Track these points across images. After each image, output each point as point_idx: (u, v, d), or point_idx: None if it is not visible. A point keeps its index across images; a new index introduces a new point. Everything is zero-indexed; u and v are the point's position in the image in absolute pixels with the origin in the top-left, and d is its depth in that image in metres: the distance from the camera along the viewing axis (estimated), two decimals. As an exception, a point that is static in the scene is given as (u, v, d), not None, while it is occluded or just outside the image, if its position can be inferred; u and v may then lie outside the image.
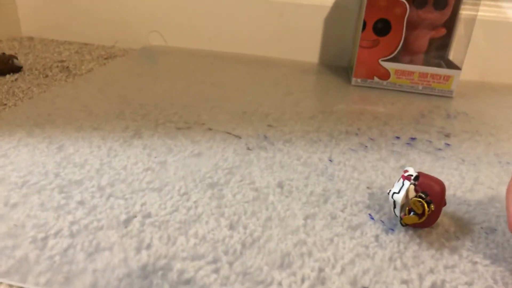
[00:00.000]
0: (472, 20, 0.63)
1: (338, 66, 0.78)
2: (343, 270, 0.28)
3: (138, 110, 0.51)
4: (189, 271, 0.27)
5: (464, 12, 0.66)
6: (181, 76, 0.65)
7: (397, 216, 0.32)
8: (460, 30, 0.68)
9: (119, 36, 0.84)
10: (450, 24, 0.67)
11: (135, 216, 0.31)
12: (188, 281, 0.26)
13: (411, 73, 0.64)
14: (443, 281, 0.27)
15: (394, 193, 0.31)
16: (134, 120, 0.48)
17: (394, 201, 0.31)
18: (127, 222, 0.31)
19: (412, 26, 0.64)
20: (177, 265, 0.27)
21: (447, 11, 0.64)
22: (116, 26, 0.83)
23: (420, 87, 0.65)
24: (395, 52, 0.64)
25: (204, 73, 0.68)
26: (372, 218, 0.33)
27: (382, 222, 0.33)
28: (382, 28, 0.63)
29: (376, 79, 0.66)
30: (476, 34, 0.70)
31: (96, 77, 0.62)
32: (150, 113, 0.50)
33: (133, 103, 0.53)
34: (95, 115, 0.48)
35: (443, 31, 0.66)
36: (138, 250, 0.28)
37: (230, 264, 0.27)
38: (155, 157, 0.40)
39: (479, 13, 0.70)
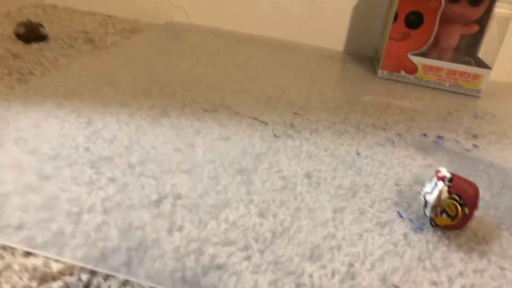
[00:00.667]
0: (507, 19, 0.61)
1: (363, 56, 0.77)
2: (372, 267, 0.28)
3: (165, 88, 0.51)
4: (221, 256, 0.27)
5: (498, 10, 0.64)
6: (205, 55, 0.65)
7: (427, 216, 0.32)
8: (492, 28, 0.66)
9: (143, 8, 0.83)
10: (483, 22, 0.65)
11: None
12: (220, 266, 0.26)
13: (440, 69, 0.63)
14: (472, 285, 0.27)
15: (426, 192, 0.31)
16: (161, 98, 0.48)
17: (426, 201, 0.31)
18: (158, 202, 0.31)
19: (444, 21, 0.63)
20: (209, 250, 0.27)
21: (482, 8, 0.63)
22: (140, -1, 0.82)
23: (447, 85, 0.64)
24: (425, 47, 0.62)
25: (227, 53, 0.67)
26: (401, 216, 0.33)
27: (411, 220, 0.33)
28: (414, 20, 0.61)
29: (403, 72, 0.65)
30: (509, 34, 0.69)
31: (121, 51, 0.62)
32: (176, 92, 0.50)
33: (159, 81, 0.52)
34: (122, 91, 0.48)
35: (475, 28, 0.65)
36: (170, 231, 0.28)
37: (261, 252, 0.28)
38: (184, 138, 0.40)
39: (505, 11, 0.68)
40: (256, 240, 0.29)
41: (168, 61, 0.60)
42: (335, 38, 0.78)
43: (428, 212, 0.31)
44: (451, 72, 0.63)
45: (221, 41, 0.73)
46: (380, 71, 0.66)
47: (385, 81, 0.65)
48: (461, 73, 0.63)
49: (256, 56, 0.68)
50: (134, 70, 0.55)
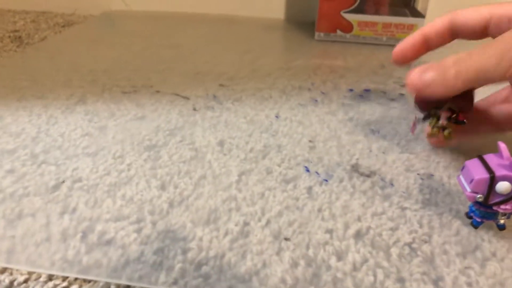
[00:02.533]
0: (436, -36, 0.61)
1: (305, 22, 0.75)
2: (268, 223, 0.27)
3: (86, 76, 0.49)
4: (110, 232, 0.26)
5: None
6: (138, 40, 0.63)
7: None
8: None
9: (79, 2, 0.81)
10: (415, -30, 0.64)
11: (63, 181, 0.31)
12: (108, 242, 0.26)
13: (374, 24, 0.62)
14: (368, 228, 0.27)
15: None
16: (81, 86, 0.47)
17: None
18: (55, 188, 0.30)
19: (374, -26, 0.62)
20: (99, 227, 0.27)
21: (410, -44, 0.61)
22: (75, -8, 0.80)
23: (384, 39, 0.63)
24: (357, 3, 0.61)
25: (163, 36, 0.66)
26: (308, 170, 0.33)
27: (317, 173, 0.32)
28: (341, -23, 0.60)
29: (339, 32, 0.64)
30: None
31: (49, 46, 0.61)
32: (98, 79, 0.49)
33: (82, 70, 0.51)
34: (40, 84, 0.47)
35: (407, -22, 0.64)
36: (61, 214, 0.28)
37: (154, 223, 0.27)
38: (95, 122, 0.39)
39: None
40: (152, 212, 0.28)
41: (96, 50, 0.59)
42: (275, 6, 0.76)
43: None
44: (387, 26, 0.62)
45: (158, 25, 0.72)
46: (316, 34, 0.65)
47: (323, 43, 0.64)
48: (396, 25, 0.62)
49: (193, 35, 0.67)
50: (59, 63, 0.53)
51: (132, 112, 0.41)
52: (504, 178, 0.24)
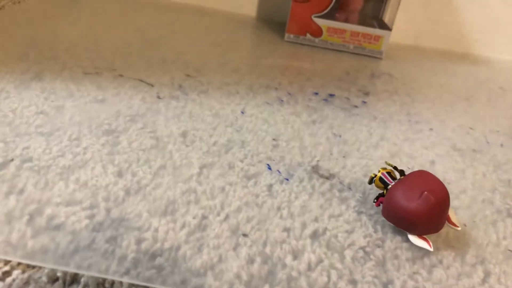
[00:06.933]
0: (406, -19, 0.63)
1: (276, 22, 0.76)
2: (227, 217, 0.27)
3: (46, 52, 0.47)
4: (60, 216, 0.25)
5: (401, -28, 0.65)
6: (102, 21, 0.61)
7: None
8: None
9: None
10: (385, -16, 0.66)
11: (12, 160, 0.29)
12: (57, 227, 0.24)
13: (343, 31, 0.63)
14: (325, 229, 0.28)
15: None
16: (38, 62, 0.44)
17: None
18: (2, 166, 0.28)
19: (347, -18, 0.63)
20: (48, 211, 0.25)
21: (382, -30, 0.63)
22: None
23: (351, 47, 0.64)
24: (328, 9, 0.62)
25: (129, 19, 0.64)
26: (270, 168, 0.33)
27: (279, 172, 0.33)
28: (316, -18, 0.61)
29: (308, 36, 0.64)
30: (409, -4, 0.70)
31: (5, 16, 0.57)
32: (58, 56, 0.46)
33: (41, 46, 0.48)
34: (-7, 55, 0.44)
35: (378, -9, 0.66)
36: (7, 195, 0.26)
37: (108, 210, 0.26)
38: (52, 101, 0.37)
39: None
40: (106, 199, 0.27)
41: (58, 26, 0.56)
42: (247, 3, 0.76)
43: None
44: (355, 34, 0.63)
45: (126, 7, 0.69)
46: (286, 35, 0.65)
47: (292, 45, 0.64)
48: (364, 35, 0.63)
49: (161, 21, 0.65)
50: (15, 36, 0.50)
51: (92, 94, 0.40)
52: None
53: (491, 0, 0.72)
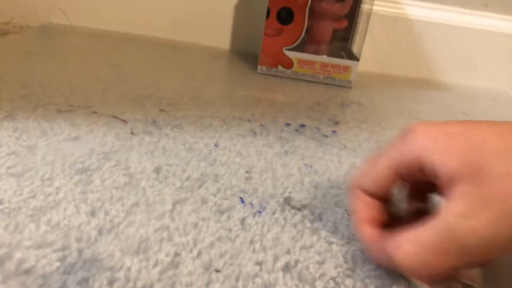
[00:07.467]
0: (369, 14, 0.66)
1: (249, 54, 0.78)
2: (199, 254, 0.28)
3: (19, 90, 0.47)
4: (30, 260, 0.25)
5: (366, 6, 0.69)
6: (77, 57, 0.61)
7: None
8: (363, 23, 0.70)
9: (17, 11, 0.77)
10: (352, 17, 0.69)
11: (-18, 204, 0.29)
12: (27, 271, 0.24)
13: (313, 63, 0.66)
14: (297, 261, 0.28)
15: None
16: (11, 101, 0.44)
17: None
18: (-29, 210, 0.28)
19: (316, 16, 0.66)
20: (18, 255, 0.25)
21: (348, 4, 0.67)
22: (13, 0, 0.76)
23: (322, 77, 0.67)
24: (298, 41, 0.65)
25: (104, 55, 0.64)
26: (243, 201, 0.34)
27: (252, 205, 0.33)
28: (285, 17, 0.64)
29: (280, 67, 0.67)
30: (376, 28, 0.74)
31: (-22, 54, 0.57)
32: (31, 94, 0.47)
33: (13, 83, 0.49)
34: (-36, 95, 0.44)
35: (344, 23, 0.69)
36: (-24, 239, 0.26)
37: (80, 251, 0.26)
38: (24, 141, 0.37)
39: (380, 8, 0.74)
40: (78, 239, 0.27)
41: (31, 63, 0.56)
42: (221, 36, 0.78)
43: None
44: (324, 65, 0.66)
45: (100, 43, 0.70)
46: (259, 67, 0.67)
47: (264, 77, 0.66)
48: (333, 66, 0.66)
49: (135, 56, 0.66)
50: (-13, 73, 0.50)
51: (65, 132, 0.40)
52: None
53: (452, 29, 0.76)
